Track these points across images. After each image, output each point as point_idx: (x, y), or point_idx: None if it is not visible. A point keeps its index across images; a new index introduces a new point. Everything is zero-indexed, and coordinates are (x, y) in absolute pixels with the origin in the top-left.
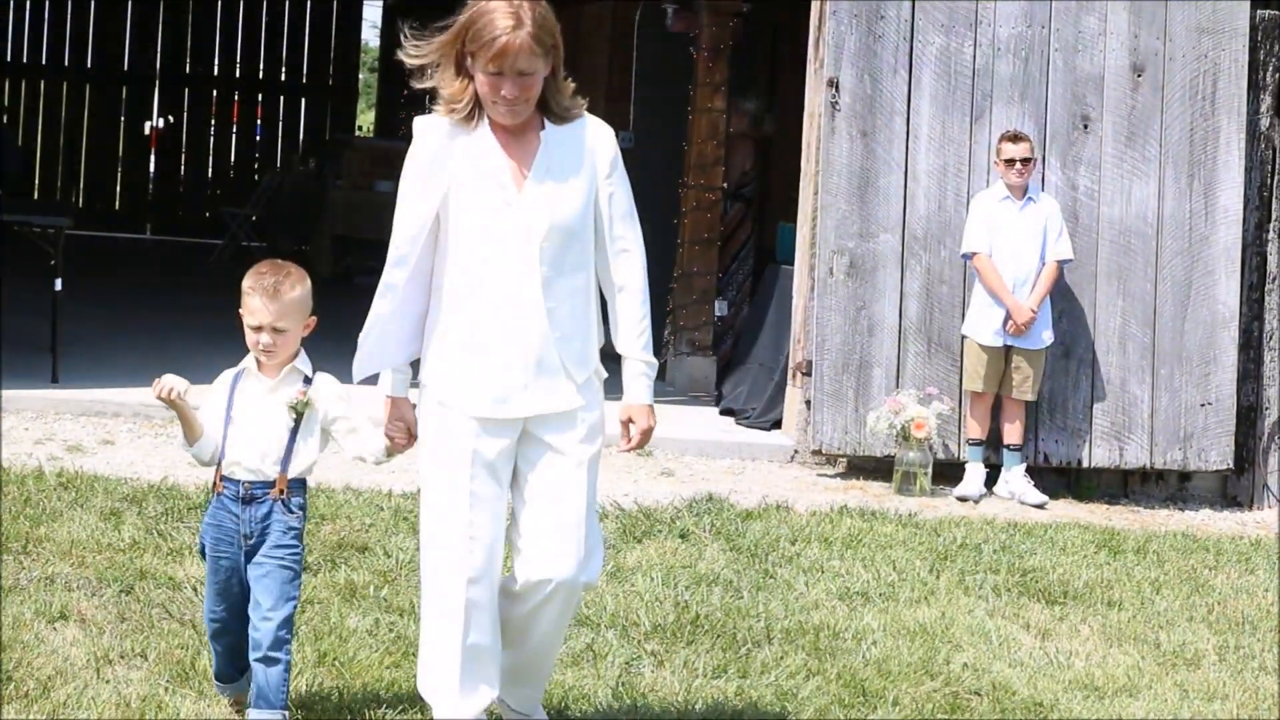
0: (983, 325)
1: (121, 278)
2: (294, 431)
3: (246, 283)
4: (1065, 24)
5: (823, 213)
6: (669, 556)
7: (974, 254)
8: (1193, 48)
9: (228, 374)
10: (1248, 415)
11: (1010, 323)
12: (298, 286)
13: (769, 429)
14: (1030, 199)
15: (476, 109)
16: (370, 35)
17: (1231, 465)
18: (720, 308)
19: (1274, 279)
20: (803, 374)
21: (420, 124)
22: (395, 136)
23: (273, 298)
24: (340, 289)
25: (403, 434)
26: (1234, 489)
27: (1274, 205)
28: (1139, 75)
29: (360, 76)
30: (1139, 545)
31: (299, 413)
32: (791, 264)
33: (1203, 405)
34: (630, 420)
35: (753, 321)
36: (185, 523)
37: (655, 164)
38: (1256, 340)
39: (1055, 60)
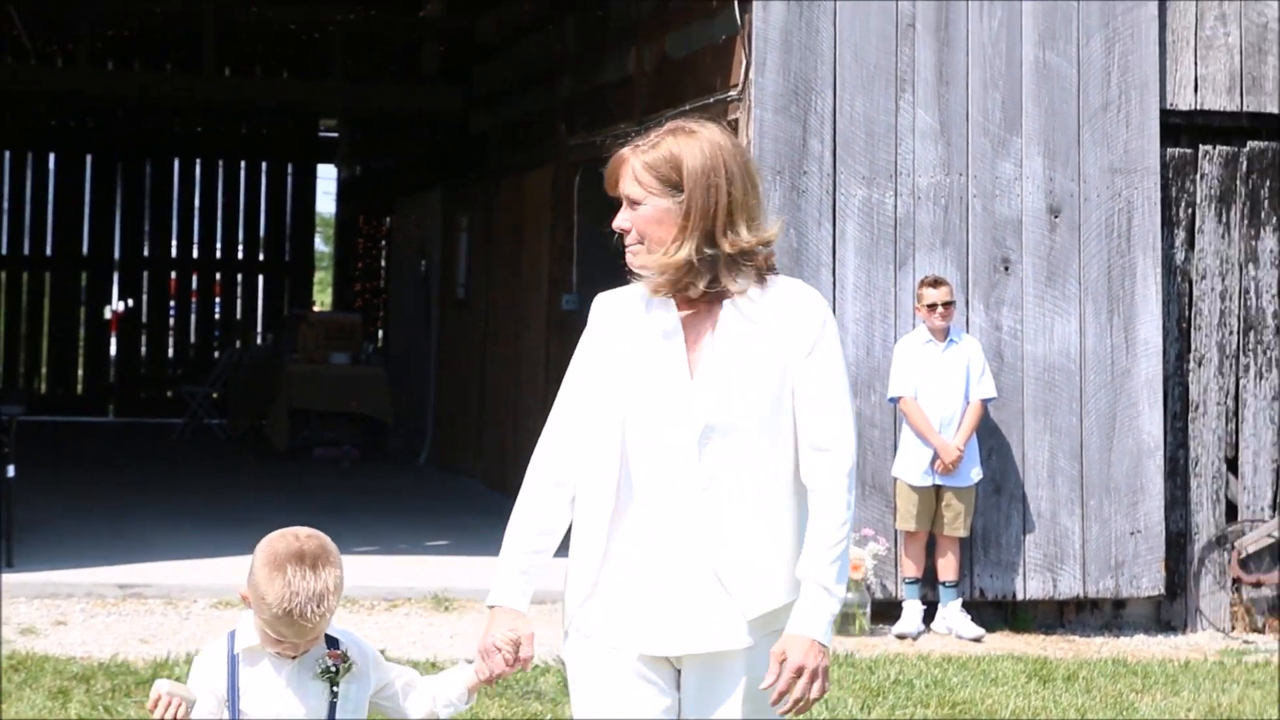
0: (912, 465)
1: (81, 460)
2: (332, 709)
3: (276, 592)
4: (982, 170)
5: None
6: None
7: (900, 397)
8: (1107, 187)
9: (216, 655)
10: (1177, 541)
11: (938, 462)
12: (337, 589)
13: None
14: (953, 340)
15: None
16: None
17: (1163, 591)
18: None
19: (1196, 407)
20: None
21: (596, 302)
22: (350, 309)
23: (314, 623)
24: (298, 462)
25: (509, 656)
26: (1167, 614)
27: (1193, 336)
28: (1056, 216)
29: (318, 246)
30: (1069, 673)
31: (336, 680)
32: None
33: (1132, 533)
34: (784, 655)
35: None
36: (133, 698)
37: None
38: (1183, 468)
39: (974, 206)
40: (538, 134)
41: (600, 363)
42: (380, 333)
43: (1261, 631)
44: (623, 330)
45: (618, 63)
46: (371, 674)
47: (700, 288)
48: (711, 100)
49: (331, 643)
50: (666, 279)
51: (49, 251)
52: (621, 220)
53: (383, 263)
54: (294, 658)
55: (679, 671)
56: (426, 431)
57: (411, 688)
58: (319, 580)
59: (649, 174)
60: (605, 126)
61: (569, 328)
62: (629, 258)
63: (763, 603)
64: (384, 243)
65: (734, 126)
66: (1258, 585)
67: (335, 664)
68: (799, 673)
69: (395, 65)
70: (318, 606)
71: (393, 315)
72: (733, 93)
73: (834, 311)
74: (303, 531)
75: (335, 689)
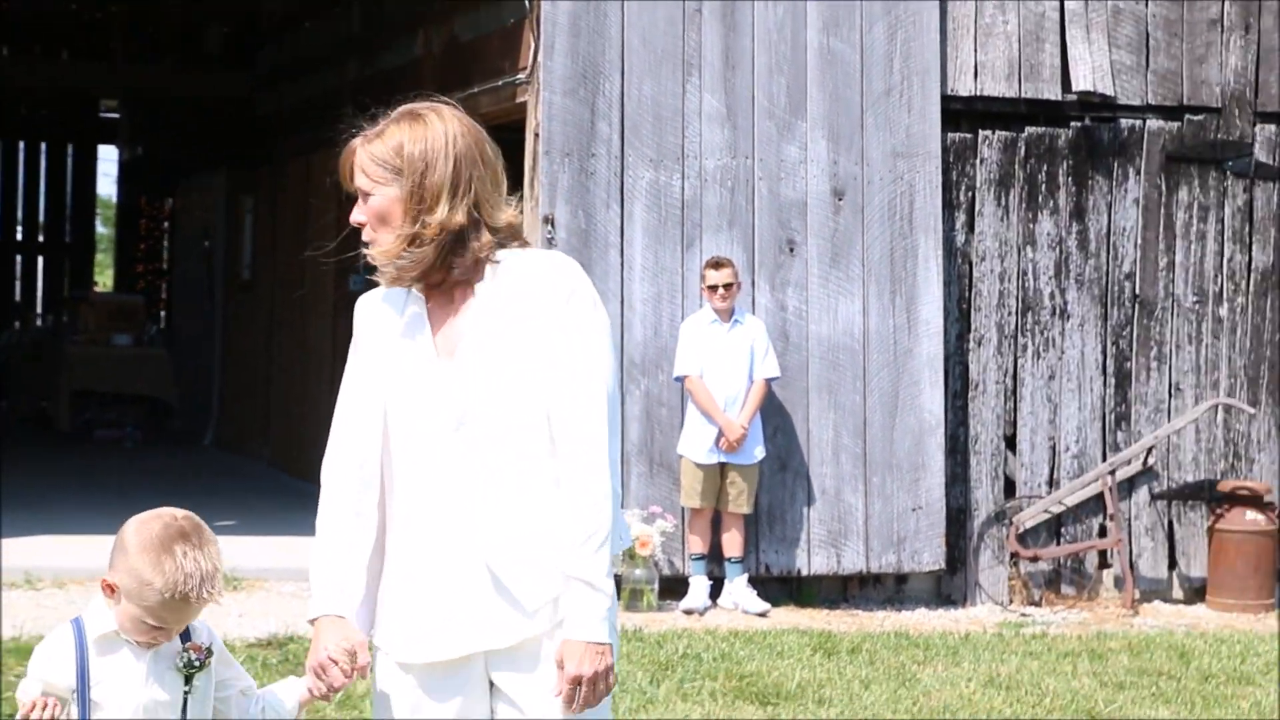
0: (697, 443)
1: None
2: (185, 707)
3: (167, 576)
4: (768, 154)
5: None
6: None
7: (685, 376)
8: (889, 171)
9: (63, 645)
10: (957, 517)
11: (723, 440)
12: (221, 568)
13: None
14: (737, 320)
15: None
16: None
17: (944, 566)
18: None
19: (976, 386)
20: None
21: (358, 305)
22: (132, 291)
23: (204, 604)
24: (80, 443)
25: (346, 667)
26: (948, 588)
27: (973, 316)
28: (840, 199)
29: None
30: (853, 646)
31: (197, 673)
32: None
33: (914, 510)
34: (560, 664)
35: None
36: None
37: None
38: (963, 445)
39: (760, 188)
40: (324, 116)
41: (364, 366)
42: (164, 314)
43: (1038, 604)
44: (379, 330)
45: (405, 45)
46: (219, 669)
47: (439, 275)
48: (500, 83)
49: (185, 634)
50: (395, 269)
51: None
52: (356, 215)
53: (165, 244)
54: (151, 647)
55: (485, 668)
56: (211, 413)
57: (245, 696)
58: (207, 559)
59: (375, 165)
60: (392, 108)
61: None
62: (370, 256)
63: (542, 591)
64: (167, 224)
65: (523, 109)
66: (1034, 560)
67: (199, 656)
68: (577, 681)
69: (178, 46)
70: (211, 586)
71: (177, 297)
72: (521, 76)
73: (622, 292)
74: (177, 512)
75: (192, 683)
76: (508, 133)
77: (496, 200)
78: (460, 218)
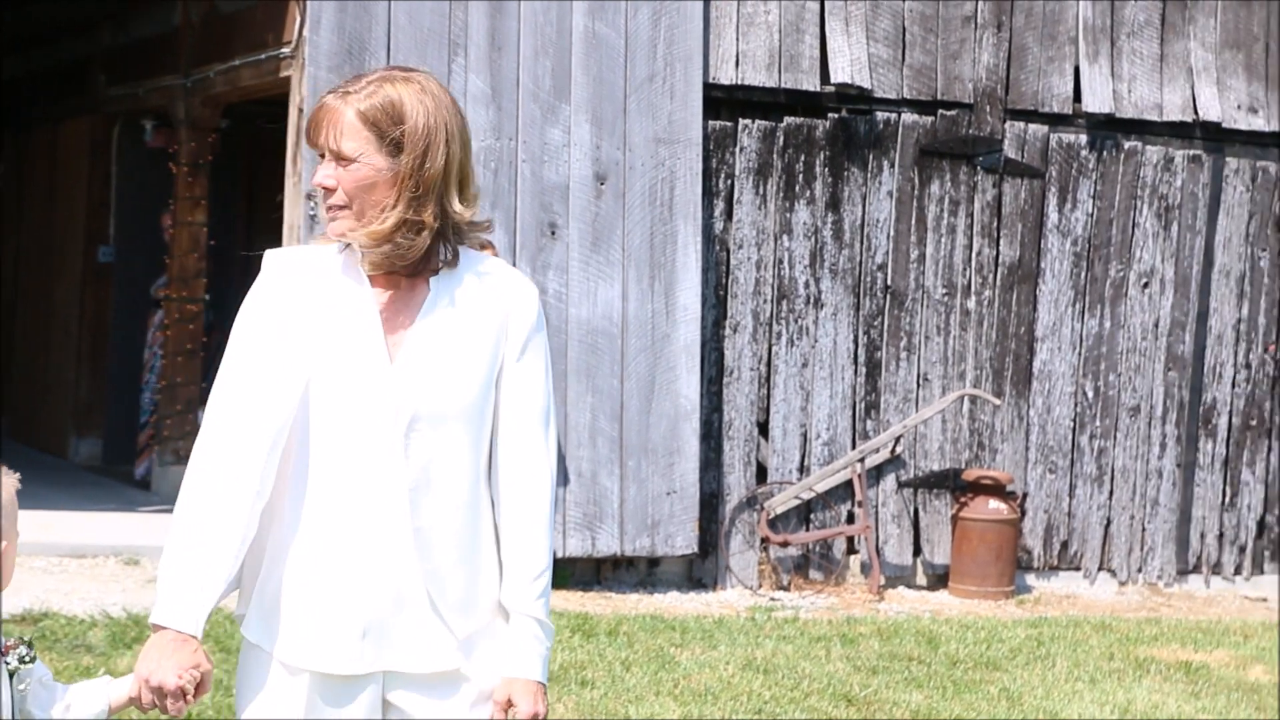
0: None
1: None
2: (14, 706)
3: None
4: (532, 136)
5: None
6: None
7: None
8: (651, 157)
9: None
10: (710, 502)
11: None
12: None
13: None
14: None
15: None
16: None
17: (696, 550)
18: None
19: (731, 372)
20: None
21: (267, 259)
22: None
23: None
24: None
25: (190, 698)
26: (699, 572)
27: (729, 303)
28: (602, 184)
29: None
30: (611, 628)
31: (23, 667)
32: None
33: (668, 494)
34: (510, 702)
35: None
36: None
37: (138, 276)
38: (717, 431)
39: (524, 171)
40: (75, 83)
41: (277, 338)
42: None
43: (786, 589)
44: (304, 301)
45: (163, 14)
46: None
47: (409, 261)
48: (264, 57)
49: None
50: (380, 255)
51: None
52: (325, 177)
53: None
54: None
55: (382, 687)
56: None
57: (44, 688)
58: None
59: (366, 127)
60: (148, 79)
61: (105, 280)
62: (330, 223)
63: (471, 621)
64: None
65: (286, 84)
66: (784, 545)
67: (27, 652)
68: None
69: None
70: None
71: None
72: (286, 50)
73: None
74: None
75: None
76: (271, 106)
77: (474, 188)
78: (459, 208)
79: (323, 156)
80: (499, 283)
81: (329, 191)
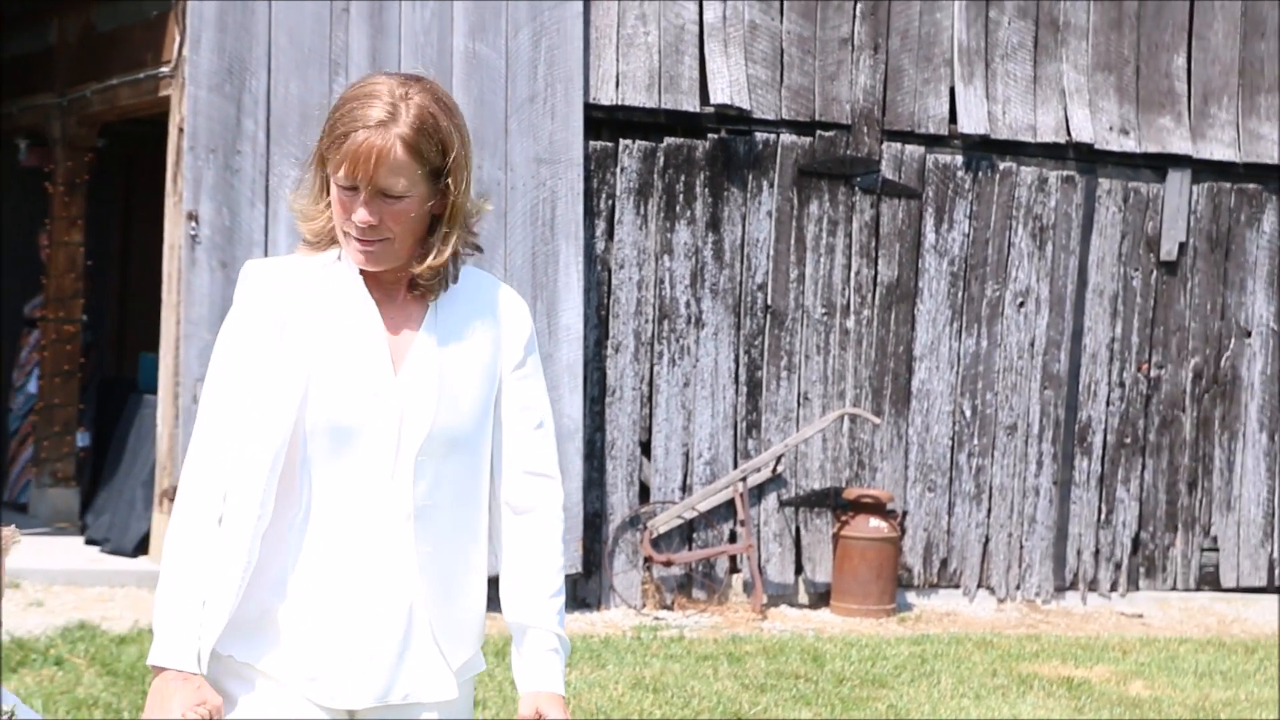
0: None
1: None
2: None
3: None
4: None
5: (185, 342)
6: (46, 684)
7: None
8: (532, 177)
9: None
10: (594, 522)
11: None
12: None
13: (133, 555)
14: None
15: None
16: None
17: (580, 569)
18: (82, 439)
19: (614, 392)
20: (169, 500)
21: (250, 270)
22: None
23: None
24: None
25: None
26: (583, 592)
27: (611, 323)
28: (484, 204)
29: None
30: (497, 648)
31: None
32: (154, 393)
33: None
34: (539, 715)
35: (114, 451)
36: None
37: (12, 296)
38: (600, 450)
39: None
40: None
41: (273, 352)
42: None
43: (670, 608)
44: (298, 313)
45: (38, 32)
46: None
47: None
48: (143, 76)
49: None
50: (431, 281)
51: None
52: (366, 215)
53: None
54: None
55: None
56: None
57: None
58: None
59: (414, 159)
60: (22, 97)
61: None
62: (365, 255)
63: (465, 649)
64: None
65: (166, 103)
66: (668, 564)
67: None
68: None
69: None
70: None
71: None
72: (165, 69)
73: None
74: None
75: None
76: (149, 126)
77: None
78: (473, 219)
79: (353, 188)
80: (493, 297)
81: (370, 227)
